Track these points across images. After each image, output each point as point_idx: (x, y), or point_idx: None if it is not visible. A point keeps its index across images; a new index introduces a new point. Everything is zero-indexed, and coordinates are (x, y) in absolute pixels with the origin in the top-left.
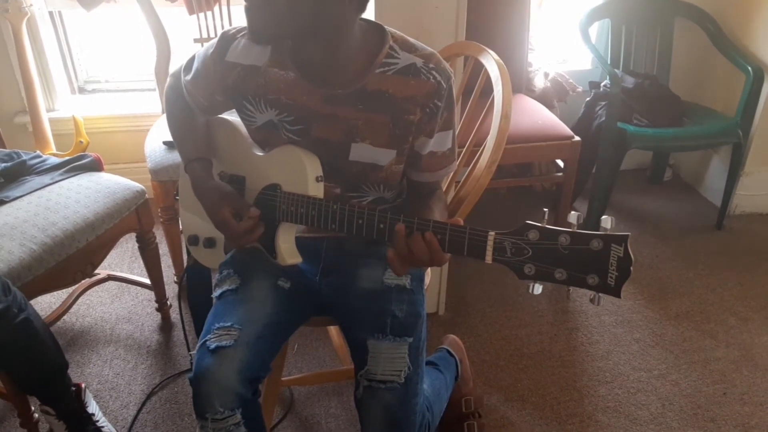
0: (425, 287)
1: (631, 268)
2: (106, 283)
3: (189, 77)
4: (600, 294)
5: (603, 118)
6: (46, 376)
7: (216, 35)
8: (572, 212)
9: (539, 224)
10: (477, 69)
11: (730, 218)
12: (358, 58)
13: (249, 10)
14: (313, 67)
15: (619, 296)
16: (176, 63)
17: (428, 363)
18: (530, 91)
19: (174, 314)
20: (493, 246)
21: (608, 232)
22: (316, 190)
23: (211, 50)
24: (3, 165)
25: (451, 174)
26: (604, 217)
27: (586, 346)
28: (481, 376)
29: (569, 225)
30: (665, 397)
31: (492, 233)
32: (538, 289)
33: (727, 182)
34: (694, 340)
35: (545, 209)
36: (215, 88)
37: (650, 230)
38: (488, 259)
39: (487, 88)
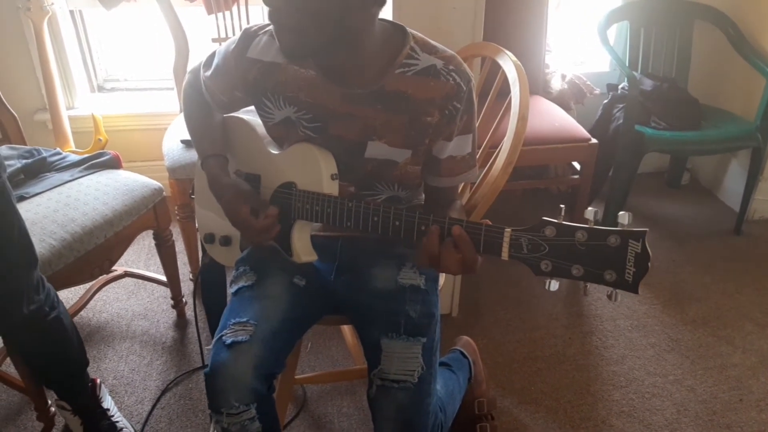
0: (439, 288)
1: (649, 264)
2: (123, 279)
3: (209, 73)
4: (617, 290)
5: (620, 121)
6: (68, 372)
7: (234, 35)
8: (589, 208)
9: (556, 220)
10: (494, 70)
11: (749, 223)
12: (379, 59)
13: (279, 33)
14: (334, 66)
15: (636, 292)
16: (194, 62)
17: (441, 364)
18: (547, 93)
19: (189, 311)
20: (510, 242)
21: (626, 228)
22: (331, 187)
23: (233, 46)
24: (23, 161)
25: (471, 180)
26: (621, 212)
27: (601, 350)
28: (495, 378)
29: (586, 221)
30: (680, 403)
31: (508, 229)
32: (554, 285)
33: (746, 187)
34: (711, 345)
35: (562, 205)
36: (235, 84)
37: (667, 234)
38: (504, 255)
39: (504, 90)
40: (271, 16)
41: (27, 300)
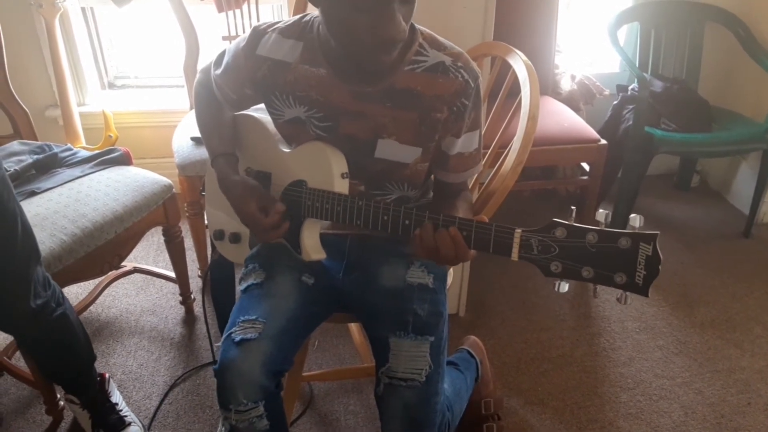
0: (447, 287)
1: (660, 267)
2: (132, 275)
3: (219, 71)
4: (627, 293)
5: (630, 122)
6: (75, 368)
7: (244, 33)
8: (600, 210)
9: (566, 222)
10: (504, 70)
11: (758, 226)
12: None
13: (380, 49)
14: (346, 64)
15: (647, 295)
16: (205, 60)
17: (449, 363)
18: (556, 94)
19: (197, 308)
20: (520, 243)
21: (637, 231)
22: (342, 186)
23: (243, 44)
24: (35, 157)
25: (477, 174)
26: (632, 215)
27: (609, 352)
28: (502, 378)
29: (597, 223)
30: (688, 406)
31: (518, 230)
32: (564, 287)
33: (756, 190)
34: (719, 348)
35: (573, 207)
36: (245, 82)
37: (676, 237)
38: (514, 256)
39: (514, 90)
40: (367, 33)
41: (34, 294)
